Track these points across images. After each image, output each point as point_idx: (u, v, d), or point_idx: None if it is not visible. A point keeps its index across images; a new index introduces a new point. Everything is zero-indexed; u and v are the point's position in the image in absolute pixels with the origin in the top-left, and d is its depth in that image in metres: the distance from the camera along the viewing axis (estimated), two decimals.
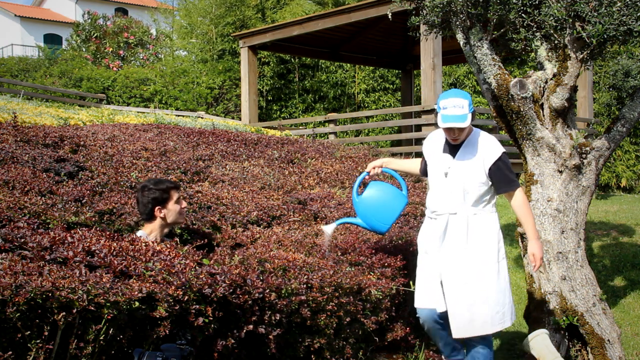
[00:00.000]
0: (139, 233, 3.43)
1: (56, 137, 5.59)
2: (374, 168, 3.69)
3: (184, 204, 3.60)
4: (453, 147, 3.38)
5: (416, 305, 3.43)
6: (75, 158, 5.16)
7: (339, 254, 3.77)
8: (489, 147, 3.33)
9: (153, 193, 3.44)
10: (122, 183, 4.71)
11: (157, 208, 3.44)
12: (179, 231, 3.79)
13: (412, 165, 3.78)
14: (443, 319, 3.37)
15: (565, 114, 4.11)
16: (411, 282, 3.65)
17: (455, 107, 3.20)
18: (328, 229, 3.72)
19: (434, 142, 3.50)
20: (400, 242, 4.21)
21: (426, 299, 3.38)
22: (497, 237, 3.35)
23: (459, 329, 3.31)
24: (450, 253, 3.32)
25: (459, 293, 3.29)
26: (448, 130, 3.28)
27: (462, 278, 3.29)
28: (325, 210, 4.93)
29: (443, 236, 3.35)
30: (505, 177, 3.31)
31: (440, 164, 3.42)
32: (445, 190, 3.36)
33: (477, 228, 3.32)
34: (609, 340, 3.99)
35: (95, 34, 22.19)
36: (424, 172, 3.63)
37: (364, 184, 3.92)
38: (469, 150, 3.34)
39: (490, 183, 3.33)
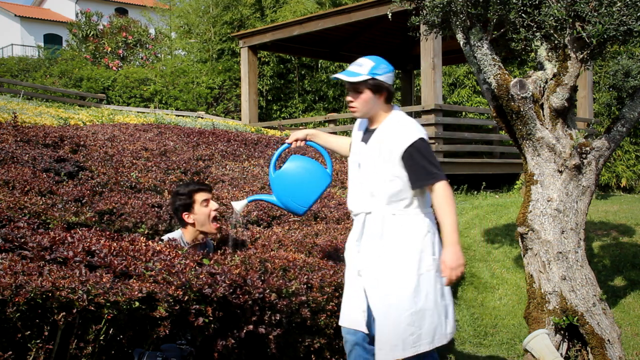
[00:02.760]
0: (175, 233, 3.43)
1: (56, 137, 5.59)
2: (296, 140, 3.13)
3: (214, 205, 3.41)
4: (369, 133, 2.87)
5: (340, 322, 2.92)
6: (75, 158, 5.16)
7: (339, 254, 3.77)
8: (401, 132, 2.75)
9: (178, 199, 3.39)
10: (122, 183, 4.71)
11: (184, 214, 3.38)
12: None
13: (341, 143, 3.22)
14: (372, 344, 2.80)
15: (565, 114, 4.11)
16: None
17: (354, 65, 2.79)
18: (237, 205, 3.29)
19: (359, 125, 2.98)
20: None
21: (347, 316, 2.86)
22: (420, 245, 2.74)
23: (378, 351, 2.75)
24: (366, 260, 2.81)
25: (375, 308, 2.76)
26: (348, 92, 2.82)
27: (377, 291, 2.76)
28: (325, 210, 4.93)
29: (360, 240, 2.84)
30: (418, 168, 2.70)
31: (355, 152, 2.92)
32: (359, 184, 2.85)
33: (393, 232, 2.76)
34: (609, 340, 3.99)
35: (92, 33, 22.19)
36: None
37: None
38: (382, 136, 2.79)
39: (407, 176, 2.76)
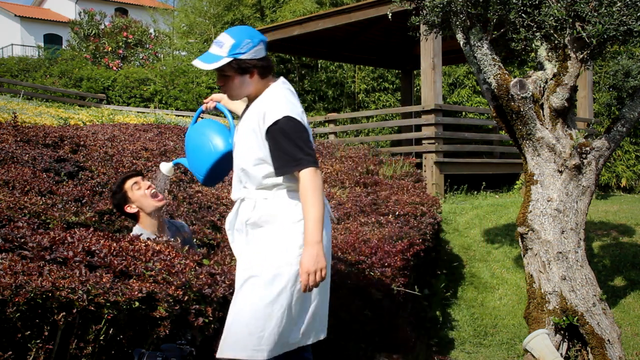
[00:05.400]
0: (134, 230, 3.37)
1: (56, 137, 5.59)
2: (209, 101, 2.84)
3: (145, 184, 3.30)
4: (246, 109, 2.52)
5: None
6: (75, 158, 5.16)
7: (339, 254, 3.77)
8: (266, 109, 2.37)
9: (114, 199, 3.35)
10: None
11: (126, 207, 3.31)
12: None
13: None
14: None
15: (565, 114, 4.11)
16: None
17: (215, 44, 2.40)
18: (164, 167, 3.06)
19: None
20: (400, 242, 4.21)
21: None
22: (286, 234, 2.39)
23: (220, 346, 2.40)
24: (236, 250, 2.54)
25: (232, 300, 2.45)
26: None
27: (237, 283, 2.44)
28: None
29: (232, 228, 2.55)
30: (281, 153, 2.33)
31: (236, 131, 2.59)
32: (235, 167, 2.54)
33: (259, 217, 2.42)
34: (609, 340, 3.99)
35: (94, 32, 22.21)
36: None
37: None
38: (253, 113, 2.44)
39: None
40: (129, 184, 3.30)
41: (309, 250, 2.28)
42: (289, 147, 2.31)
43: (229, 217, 2.56)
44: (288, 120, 2.32)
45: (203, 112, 2.89)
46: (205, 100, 2.84)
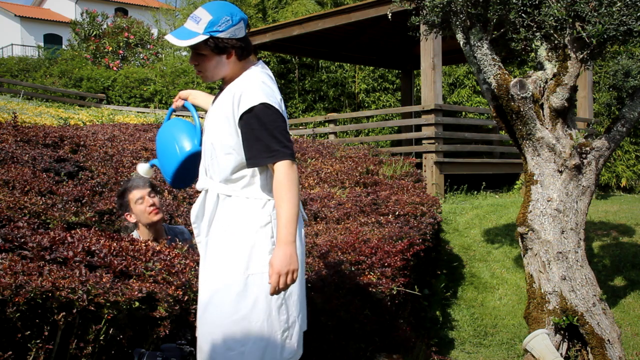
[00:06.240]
0: (133, 234, 3.41)
1: (56, 137, 5.59)
2: (177, 99, 2.68)
3: (149, 201, 3.29)
4: (219, 93, 2.34)
5: None
6: (75, 158, 5.16)
7: (339, 254, 3.77)
8: (242, 95, 2.18)
9: (116, 201, 3.40)
10: (122, 183, 4.71)
11: (126, 215, 3.34)
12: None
13: None
14: None
15: (565, 114, 4.11)
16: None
17: (191, 19, 2.22)
18: (141, 168, 2.85)
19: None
20: (400, 242, 4.21)
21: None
22: (253, 238, 2.19)
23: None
24: (202, 248, 2.34)
25: (198, 309, 2.29)
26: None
27: (202, 287, 2.27)
28: (325, 210, 4.94)
29: (199, 222, 2.34)
30: (255, 142, 2.14)
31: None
32: (203, 154, 2.36)
33: (224, 218, 2.24)
34: (609, 340, 3.99)
35: (95, 32, 22.24)
36: None
37: None
38: (227, 97, 2.25)
39: None
40: (135, 195, 3.31)
41: (282, 249, 2.08)
42: (263, 137, 2.12)
43: (195, 209, 2.34)
44: (265, 107, 2.14)
45: (174, 111, 2.79)
46: (174, 100, 2.70)
